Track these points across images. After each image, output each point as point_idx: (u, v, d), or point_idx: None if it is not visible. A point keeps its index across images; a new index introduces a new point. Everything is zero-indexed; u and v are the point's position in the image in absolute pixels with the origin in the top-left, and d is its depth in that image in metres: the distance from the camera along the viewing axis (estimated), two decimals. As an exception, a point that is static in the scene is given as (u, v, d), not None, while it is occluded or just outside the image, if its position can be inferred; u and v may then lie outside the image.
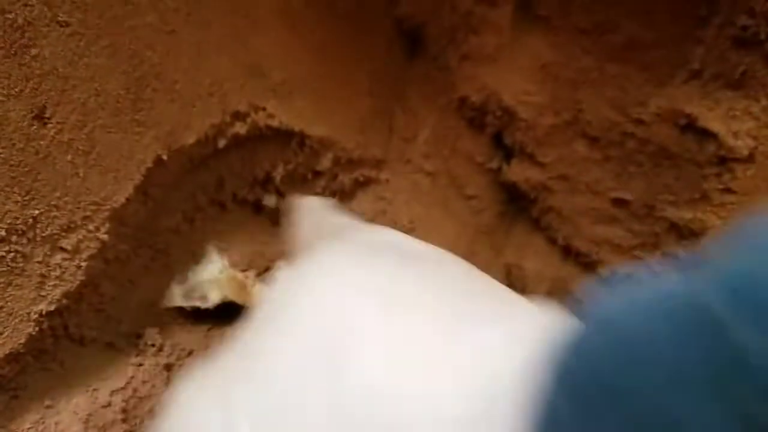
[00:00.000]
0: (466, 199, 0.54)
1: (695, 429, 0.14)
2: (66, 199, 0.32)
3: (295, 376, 0.21)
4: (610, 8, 0.42)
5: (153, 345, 0.41)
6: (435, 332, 0.21)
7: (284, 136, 0.44)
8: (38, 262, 0.32)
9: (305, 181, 0.48)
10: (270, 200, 0.45)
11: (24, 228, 0.31)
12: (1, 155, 0.29)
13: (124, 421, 0.38)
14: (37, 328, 0.33)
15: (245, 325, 0.25)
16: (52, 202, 0.32)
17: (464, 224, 0.55)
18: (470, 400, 0.18)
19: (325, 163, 0.47)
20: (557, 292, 0.58)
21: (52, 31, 0.30)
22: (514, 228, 0.59)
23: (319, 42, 0.43)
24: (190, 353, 0.43)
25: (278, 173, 0.45)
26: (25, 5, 0.29)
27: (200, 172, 0.41)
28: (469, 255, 0.57)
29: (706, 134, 0.44)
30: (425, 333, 0.21)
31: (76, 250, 0.33)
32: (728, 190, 0.46)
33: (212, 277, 0.43)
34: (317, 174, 0.47)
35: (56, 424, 0.36)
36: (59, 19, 0.30)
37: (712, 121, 0.43)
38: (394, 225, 0.52)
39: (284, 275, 0.26)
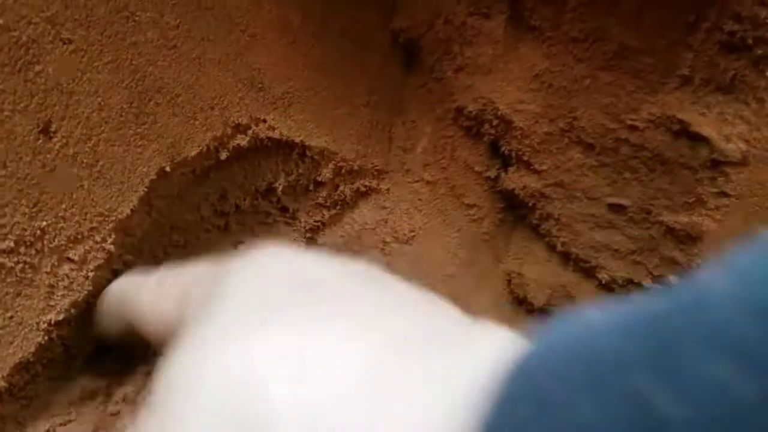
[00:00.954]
0: (466, 207, 0.55)
1: None
2: (72, 210, 0.33)
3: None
4: (601, 17, 0.43)
5: (161, 354, 0.42)
6: (356, 390, 0.19)
7: (285, 148, 0.45)
8: (46, 273, 0.33)
9: (307, 192, 0.48)
10: None
11: (32, 239, 0.32)
12: (9, 169, 0.30)
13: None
14: (46, 338, 0.33)
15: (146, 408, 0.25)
16: (59, 214, 0.33)
17: (464, 232, 0.56)
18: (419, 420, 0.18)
19: (327, 173, 0.48)
20: (558, 298, 0.59)
21: (55, 48, 0.31)
22: (514, 235, 0.60)
23: (318, 56, 0.44)
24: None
25: (280, 184, 0.46)
26: (29, 23, 0.30)
27: (203, 183, 0.42)
28: (470, 263, 0.58)
29: (699, 139, 0.44)
30: (346, 390, 0.20)
31: (83, 261, 0.34)
32: (722, 194, 0.47)
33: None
34: (319, 184, 0.48)
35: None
36: (62, 36, 0.31)
37: (704, 126, 0.44)
38: (396, 234, 0.53)
39: (184, 343, 0.25)
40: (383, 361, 0.20)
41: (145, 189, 0.36)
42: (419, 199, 0.53)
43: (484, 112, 0.50)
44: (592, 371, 0.15)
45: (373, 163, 0.50)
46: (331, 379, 0.20)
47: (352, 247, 0.52)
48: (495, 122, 0.50)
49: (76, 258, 0.34)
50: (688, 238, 0.50)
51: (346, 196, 0.50)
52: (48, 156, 0.32)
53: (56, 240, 0.33)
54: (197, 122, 0.38)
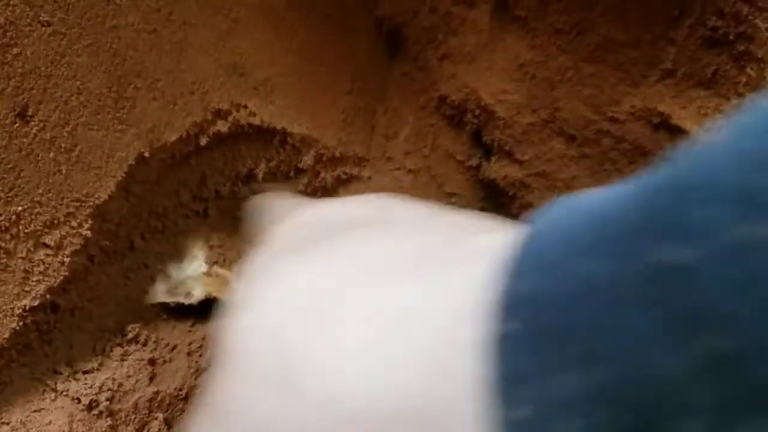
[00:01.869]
0: (447, 196, 0.55)
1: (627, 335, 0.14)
2: (49, 195, 0.33)
3: (263, 418, 0.21)
4: (586, 9, 0.43)
5: (137, 340, 0.42)
6: (382, 325, 0.20)
7: (266, 134, 0.44)
8: (22, 258, 0.32)
9: (288, 179, 0.48)
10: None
11: (7, 224, 0.31)
12: (-16, 153, 0.30)
13: (109, 415, 0.39)
14: (21, 324, 0.33)
15: (209, 378, 0.26)
16: (35, 199, 0.32)
17: (445, 221, 0.56)
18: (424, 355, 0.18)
19: (308, 160, 0.47)
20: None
21: (33, 30, 0.31)
22: (494, 224, 0.60)
23: (301, 42, 0.44)
24: (173, 348, 0.43)
25: (260, 170, 0.46)
26: (7, 5, 0.29)
27: (182, 169, 0.41)
28: (451, 251, 0.58)
29: (679, 132, 0.45)
30: (372, 326, 0.20)
31: (59, 246, 0.34)
32: (700, 187, 0.47)
33: (196, 273, 0.44)
34: (300, 171, 0.48)
35: (41, 419, 0.36)
36: (41, 18, 0.31)
37: (685, 119, 0.44)
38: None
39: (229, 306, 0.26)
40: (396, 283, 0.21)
41: (124, 174, 0.36)
42: (400, 187, 0.53)
43: (467, 102, 0.49)
44: (598, 234, 0.15)
45: (354, 151, 0.50)
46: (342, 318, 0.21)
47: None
48: (477, 112, 0.50)
49: (51, 243, 0.34)
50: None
51: (327, 183, 0.50)
52: (24, 140, 0.31)
53: (32, 225, 0.32)
54: (177, 107, 0.38)
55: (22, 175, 0.31)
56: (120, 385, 0.40)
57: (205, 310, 0.45)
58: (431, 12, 0.47)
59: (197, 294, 0.44)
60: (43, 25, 0.31)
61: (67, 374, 0.38)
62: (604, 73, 0.45)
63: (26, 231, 0.32)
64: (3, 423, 0.34)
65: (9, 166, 0.31)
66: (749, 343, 0.13)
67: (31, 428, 0.36)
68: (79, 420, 0.38)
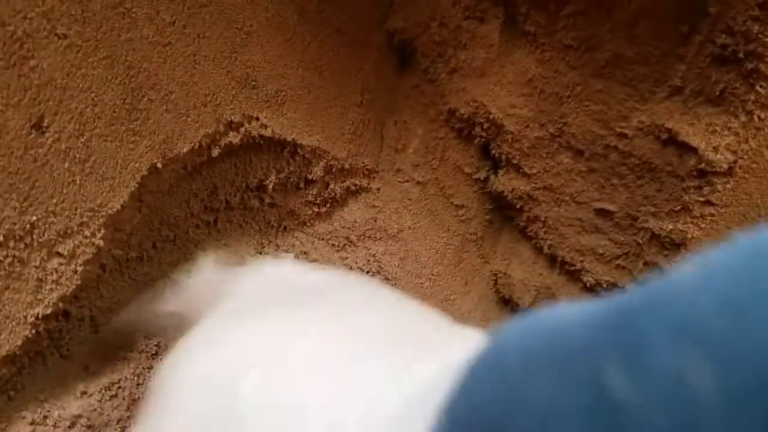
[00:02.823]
0: (455, 208, 0.55)
1: None
2: (63, 205, 0.33)
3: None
4: (595, 25, 0.43)
5: (145, 348, 0.42)
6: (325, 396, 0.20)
7: (277, 146, 0.45)
8: (35, 267, 0.33)
9: (297, 189, 0.49)
10: None
11: (22, 233, 0.32)
12: (0, 163, 0.30)
13: (117, 422, 0.39)
14: (33, 331, 0.33)
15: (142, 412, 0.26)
16: (50, 209, 0.33)
17: (452, 232, 0.56)
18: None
19: (317, 171, 0.48)
20: (543, 300, 0.59)
21: (50, 43, 0.31)
22: (501, 237, 0.60)
23: (313, 55, 0.44)
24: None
25: (271, 181, 0.46)
26: (25, 18, 0.30)
27: (194, 179, 0.42)
28: (457, 262, 0.58)
29: (687, 148, 0.45)
30: (315, 390, 0.20)
31: (72, 255, 0.34)
32: (708, 203, 0.47)
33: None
34: (309, 182, 0.49)
35: (51, 425, 0.37)
36: (57, 31, 0.31)
37: (693, 136, 0.44)
38: (384, 232, 0.53)
39: (174, 350, 0.26)
40: (352, 360, 0.21)
41: (137, 185, 0.36)
42: (409, 199, 0.54)
43: (476, 115, 0.50)
44: (557, 357, 0.15)
45: (364, 162, 0.51)
46: (301, 379, 0.21)
47: (341, 245, 0.52)
48: (486, 125, 0.50)
49: (65, 252, 0.34)
50: (673, 245, 0.50)
51: (336, 194, 0.50)
52: (40, 151, 0.32)
53: (46, 234, 0.33)
54: (190, 119, 0.38)
55: (36, 185, 0.32)
56: (130, 393, 0.40)
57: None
58: (441, 26, 0.47)
59: (206, 303, 0.44)
60: (59, 38, 0.31)
61: (76, 382, 0.38)
62: (613, 89, 0.45)
63: (40, 240, 0.33)
64: (15, 428, 0.35)
65: (24, 176, 0.31)
66: None
67: (49, 422, 0.36)
68: (89, 426, 0.38)
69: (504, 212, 0.58)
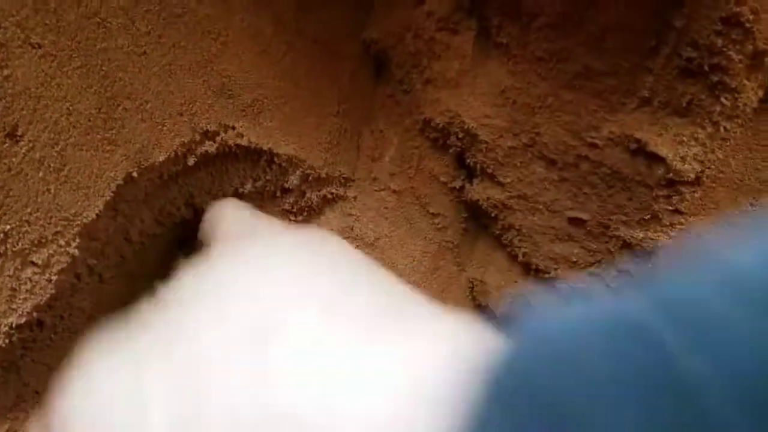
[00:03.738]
0: (431, 216, 0.56)
1: None
2: (37, 214, 0.33)
3: (218, 359, 0.21)
4: (566, 38, 0.44)
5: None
6: (365, 340, 0.21)
7: (253, 155, 0.45)
8: (9, 276, 0.33)
9: (274, 198, 0.49)
10: None
11: (-5, 242, 0.32)
12: (-26, 172, 0.30)
13: None
14: (7, 341, 0.33)
15: (158, 302, 0.25)
16: (24, 218, 0.33)
17: (429, 240, 0.57)
18: (398, 405, 0.19)
19: (294, 180, 0.48)
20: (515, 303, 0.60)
21: (24, 52, 0.31)
22: (477, 244, 0.61)
23: (289, 65, 0.45)
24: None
25: (247, 189, 0.46)
26: None
27: (170, 188, 0.42)
28: (434, 270, 0.59)
29: (656, 158, 0.46)
30: (355, 337, 0.21)
31: (46, 265, 0.34)
32: (677, 211, 0.48)
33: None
34: (286, 191, 0.49)
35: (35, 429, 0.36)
36: (32, 41, 0.31)
37: (661, 146, 0.45)
38: (361, 241, 0.54)
39: (212, 260, 0.26)
40: (351, 344, 0.21)
41: (112, 194, 0.36)
42: (385, 208, 0.54)
43: (451, 125, 0.51)
44: (610, 336, 0.16)
45: (340, 171, 0.51)
46: (299, 367, 0.20)
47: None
48: (461, 135, 0.51)
49: (39, 262, 0.34)
50: (644, 253, 0.51)
51: (312, 203, 0.51)
52: (14, 160, 0.32)
53: (20, 243, 0.33)
54: (165, 128, 0.38)
55: (11, 194, 0.32)
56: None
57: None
58: (416, 37, 0.48)
59: (182, 312, 0.44)
60: (33, 47, 0.32)
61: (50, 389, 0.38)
62: (583, 100, 0.46)
63: (14, 249, 0.33)
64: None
65: (-2, 185, 0.31)
66: None
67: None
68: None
69: (479, 220, 0.59)
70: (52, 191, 0.34)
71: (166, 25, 0.37)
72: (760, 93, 0.43)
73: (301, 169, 0.48)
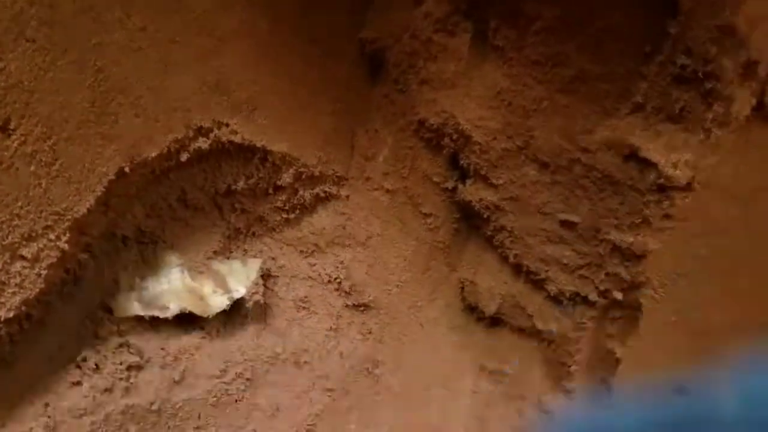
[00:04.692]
0: (423, 216, 0.56)
1: None
2: (28, 208, 0.33)
3: None
4: (562, 42, 0.44)
5: (112, 352, 0.42)
6: None
7: (247, 152, 0.45)
8: (-2, 270, 0.33)
9: (266, 195, 0.49)
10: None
11: (-16, 236, 0.31)
12: (-35, 165, 0.30)
13: (79, 428, 0.39)
14: (-6, 334, 0.33)
15: None
16: (14, 212, 0.32)
17: (420, 240, 0.57)
18: None
19: (287, 178, 0.48)
20: (508, 308, 0.60)
21: (18, 45, 0.31)
22: (468, 245, 0.61)
23: (285, 63, 0.45)
24: (148, 360, 0.44)
25: (239, 186, 0.46)
26: (-6, 20, 0.30)
27: (162, 184, 0.42)
28: (425, 270, 0.59)
29: (647, 163, 0.46)
30: None
31: (36, 259, 0.34)
32: (667, 216, 0.49)
33: (172, 288, 0.44)
34: (279, 188, 0.49)
35: (20, 427, 0.36)
36: (26, 35, 0.31)
37: (653, 152, 0.46)
38: (353, 239, 0.54)
39: None
40: None
41: (103, 189, 0.36)
42: (378, 207, 0.54)
43: (445, 126, 0.51)
44: None
45: (333, 170, 0.51)
46: None
47: (309, 251, 0.52)
48: (455, 136, 0.51)
49: (29, 256, 0.34)
50: (633, 256, 0.52)
51: (305, 201, 0.50)
52: (5, 153, 0.31)
53: (9, 237, 0.33)
54: (159, 124, 0.38)
55: (1, 187, 0.32)
56: (93, 398, 0.40)
57: (180, 323, 0.45)
58: (413, 38, 0.48)
59: (173, 308, 0.44)
60: (28, 41, 0.31)
61: (40, 383, 0.38)
62: (578, 105, 0.46)
63: (3, 243, 0.32)
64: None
65: (-11, 178, 0.31)
66: None
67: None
68: (54, 429, 0.38)
69: (471, 221, 0.59)
70: (44, 185, 0.33)
71: (162, 20, 0.37)
72: (753, 101, 0.44)
73: (294, 167, 0.48)
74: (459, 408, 0.59)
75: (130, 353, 0.43)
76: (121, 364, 0.42)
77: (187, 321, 0.45)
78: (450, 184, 0.55)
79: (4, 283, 0.33)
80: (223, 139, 0.42)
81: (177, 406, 0.43)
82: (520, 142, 0.49)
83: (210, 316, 0.45)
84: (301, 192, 0.50)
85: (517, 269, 0.59)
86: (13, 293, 0.34)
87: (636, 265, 0.52)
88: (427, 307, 0.61)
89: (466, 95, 0.49)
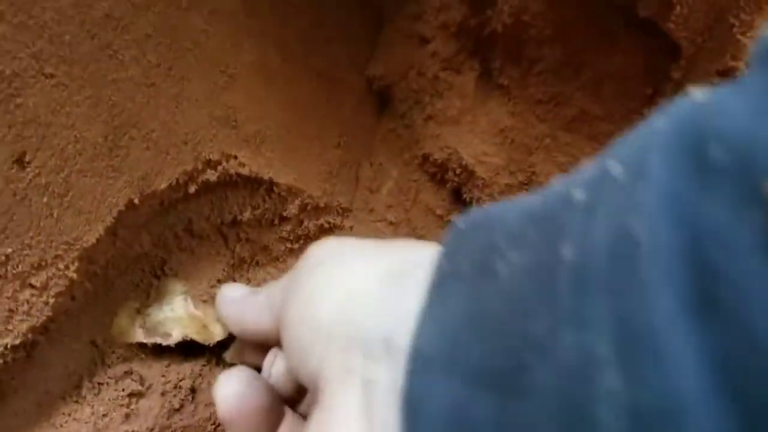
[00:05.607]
0: (426, 248, 0.57)
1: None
2: (39, 238, 0.34)
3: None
4: (565, 83, 0.45)
5: (113, 378, 0.43)
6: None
7: (253, 183, 0.46)
8: (7, 298, 0.33)
9: (272, 226, 0.49)
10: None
11: (-4, 265, 0.32)
12: (-20, 196, 0.31)
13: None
14: (1, 361, 0.34)
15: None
16: (26, 241, 0.33)
17: (422, 272, 0.57)
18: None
19: (292, 209, 0.49)
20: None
21: (37, 82, 0.32)
22: (470, 278, 0.61)
23: (293, 97, 0.46)
24: (149, 387, 0.44)
25: (245, 217, 0.47)
26: (14, 57, 0.31)
27: (169, 214, 0.43)
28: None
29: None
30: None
31: (44, 287, 0.35)
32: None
33: (175, 315, 0.45)
34: (284, 219, 0.49)
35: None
36: (45, 71, 0.32)
37: (654, 192, 0.46)
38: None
39: None
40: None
41: (113, 219, 0.37)
42: (381, 238, 0.55)
43: (449, 161, 0.51)
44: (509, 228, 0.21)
45: (338, 201, 0.52)
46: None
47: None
48: (459, 171, 0.52)
49: (37, 284, 0.35)
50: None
51: (309, 232, 0.51)
52: (20, 185, 0.32)
53: (20, 266, 0.33)
54: (169, 156, 0.39)
55: (14, 218, 0.32)
56: (94, 423, 0.40)
57: (183, 351, 0.46)
58: (419, 75, 0.49)
59: (175, 335, 0.44)
60: (46, 77, 0.32)
61: (45, 410, 0.38)
62: (580, 143, 0.47)
63: (14, 272, 0.33)
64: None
65: (2, 209, 0.32)
66: None
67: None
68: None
69: (473, 254, 0.60)
70: (55, 216, 0.34)
71: (176, 58, 0.38)
72: (752, 145, 0.44)
73: (300, 199, 0.48)
74: None
75: (132, 380, 0.43)
76: (123, 390, 0.43)
77: (189, 349, 0.46)
78: (453, 218, 0.56)
79: (12, 311, 0.34)
80: (231, 171, 0.43)
81: (176, 434, 0.44)
82: (523, 178, 0.50)
83: (212, 344, 0.46)
84: (305, 223, 0.50)
85: (518, 303, 0.59)
86: (21, 320, 0.34)
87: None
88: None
89: (471, 131, 0.50)
